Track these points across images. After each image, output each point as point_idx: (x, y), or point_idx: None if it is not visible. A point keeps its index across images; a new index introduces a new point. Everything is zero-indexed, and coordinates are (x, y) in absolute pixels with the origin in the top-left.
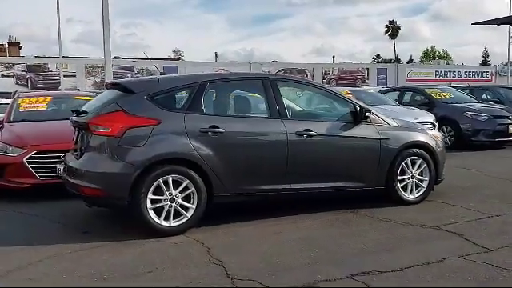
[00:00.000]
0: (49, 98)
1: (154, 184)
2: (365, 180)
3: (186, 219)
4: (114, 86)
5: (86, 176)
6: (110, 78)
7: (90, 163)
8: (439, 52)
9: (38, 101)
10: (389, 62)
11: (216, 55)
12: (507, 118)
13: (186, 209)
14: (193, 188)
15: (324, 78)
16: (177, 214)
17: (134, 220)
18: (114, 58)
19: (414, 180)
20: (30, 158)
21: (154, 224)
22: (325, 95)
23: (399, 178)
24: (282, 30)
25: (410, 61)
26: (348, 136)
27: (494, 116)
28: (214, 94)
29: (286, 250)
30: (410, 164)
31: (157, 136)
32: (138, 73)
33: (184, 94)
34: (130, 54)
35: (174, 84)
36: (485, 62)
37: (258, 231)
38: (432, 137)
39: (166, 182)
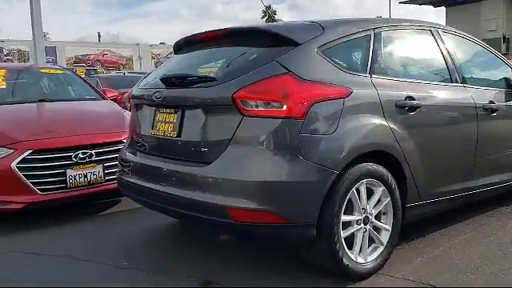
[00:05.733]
0: (3, 72)
1: (347, 196)
2: None
3: (381, 249)
4: (240, 34)
5: (238, 190)
6: (42, 58)
7: (245, 167)
8: None
9: None
10: None
11: (99, 35)
12: None
13: (379, 232)
14: (388, 199)
15: None
16: (369, 243)
17: (318, 259)
18: None
19: None
20: (23, 161)
21: (349, 262)
22: (491, 57)
23: None
24: (149, 14)
25: None
26: None
27: None
28: (391, 48)
29: None
30: None
31: (349, 115)
32: (8, 54)
33: (359, 46)
34: None
35: (345, 31)
36: None
37: (472, 253)
38: None
39: (357, 192)
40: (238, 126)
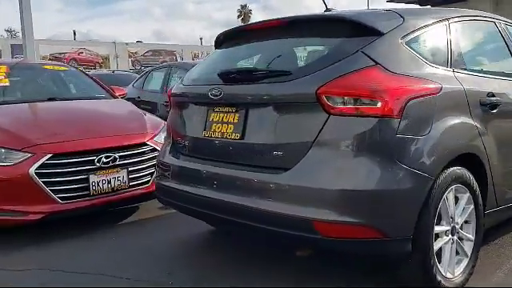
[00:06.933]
0: (4, 68)
1: (439, 205)
2: None
3: (466, 261)
4: (309, 23)
5: (326, 201)
6: (32, 53)
7: (334, 174)
8: None
9: None
10: None
11: (74, 33)
12: None
13: (463, 243)
14: (471, 206)
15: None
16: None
17: (409, 275)
18: None
19: None
20: (42, 166)
21: (441, 277)
22: None
23: None
24: (119, 12)
25: None
26: None
27: None
28: (466, 40)
29: None
30: None
31: (441, 114)
32: None
33: (438, 37)
34: None
35: (424, 21)
36: None
37: None
38: None
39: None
40: (322, 127)
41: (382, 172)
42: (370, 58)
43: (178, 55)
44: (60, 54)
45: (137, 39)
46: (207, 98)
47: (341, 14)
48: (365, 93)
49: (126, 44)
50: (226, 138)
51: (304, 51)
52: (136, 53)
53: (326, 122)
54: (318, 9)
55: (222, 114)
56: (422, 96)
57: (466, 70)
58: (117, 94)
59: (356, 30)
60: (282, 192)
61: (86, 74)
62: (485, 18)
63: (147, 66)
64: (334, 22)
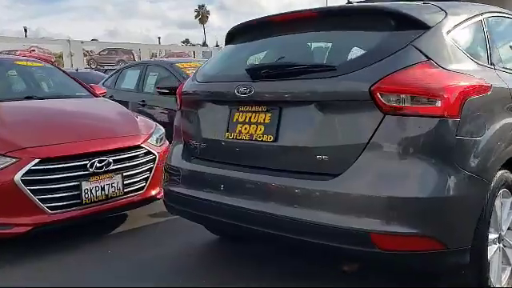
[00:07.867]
0: None
1: (492, 211)
2: None
3: (509, 270)
4: (346, 14)
5: (385, 210)
6: None
7: (395, 180)
8: None
9: None
10: (202, 45)
11: (25, 30)
12: None
13: (506, 250)
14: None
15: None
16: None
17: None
18: None
19: None
20: (29, 173)
21: None
22: None
23: None
24: (71, 9)
25: (217, 45)
26: None
27: None
28: (499, 36)
29: None
30: None
31: (491, 114)
32: None
33: (476, 32)
34: None
35: (464, 15)
36: None
37: None
38: None
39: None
40: (377, 127)
41: (444, 177)
42: (422, 53)
43: (135, 54)
44: (10, 51)
45: (92, 38)
46: (232, 96)
47: (383, 5)
48: (424, 91)
49: (82, 42)
50: (256, 140)
51: (344, 45)
52: (92, 51)
53: (382, 122)
54: (274, 10)
55: (249, 114)
56: (476, 94)
57: (504, 67)
58: (98, 93)
59: (402, 22)
60: (330, 201)
61: (63, 71)
62: (507, 15)
63: (104, 65)
64: (376, 13)
